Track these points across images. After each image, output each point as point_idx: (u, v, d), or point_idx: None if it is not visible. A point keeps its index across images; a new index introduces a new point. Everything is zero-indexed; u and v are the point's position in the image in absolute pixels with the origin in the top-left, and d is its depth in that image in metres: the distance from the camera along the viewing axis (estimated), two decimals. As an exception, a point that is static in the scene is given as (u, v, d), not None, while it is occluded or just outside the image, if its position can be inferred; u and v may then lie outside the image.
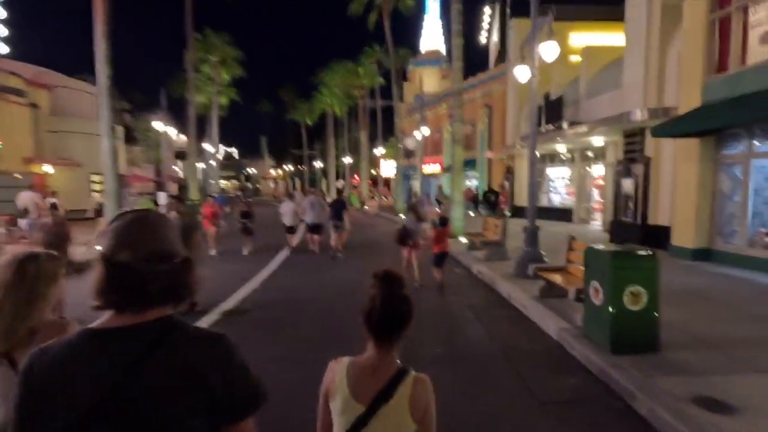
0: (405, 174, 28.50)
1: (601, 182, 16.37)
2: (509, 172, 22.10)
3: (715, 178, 9.29)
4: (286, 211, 12.08)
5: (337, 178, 45.04)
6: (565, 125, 15.47)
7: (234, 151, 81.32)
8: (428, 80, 36.80)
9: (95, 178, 20.48)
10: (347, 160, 41.63)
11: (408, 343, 1.48)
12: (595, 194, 17.11)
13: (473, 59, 29.48)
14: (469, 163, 24.64)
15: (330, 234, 11.68)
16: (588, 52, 16.11)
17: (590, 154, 16.99)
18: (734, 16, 8.68)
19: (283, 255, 11.53)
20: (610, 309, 4.39)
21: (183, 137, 31.37)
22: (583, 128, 13.75)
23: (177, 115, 29.35)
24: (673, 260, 9.22)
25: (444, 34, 42.07)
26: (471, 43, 31.57)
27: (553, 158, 19.64)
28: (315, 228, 11.72)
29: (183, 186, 35.65)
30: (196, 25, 29.31)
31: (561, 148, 18.21)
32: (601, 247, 4.73)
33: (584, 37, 18.73)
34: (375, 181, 41.24)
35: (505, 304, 6.89)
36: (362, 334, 1.43)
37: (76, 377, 0.90)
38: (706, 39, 9.17)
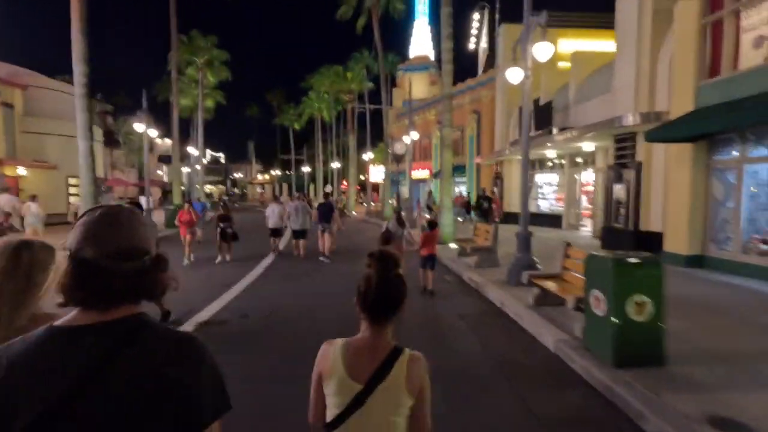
0: (393, 179, 28.28)
1: (590, 188, 16.29)
2: (498, 178, 21.98)
3: (708, 184, 9.16)
4: (271, 213, 12.05)
5: (326, 183, 44.63)
6: (555, 130, 15.36)
7: (221, 156, 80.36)
8: (417, 86, 36.77)
9: (72, 181, 19.78)
10: (335, 165, 41.30)
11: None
12: (584, 200, 17.02)
13: (462, 65, 29.43)
14: (458, 169, 24.49)
15: (316, 238, 11.60)
16: (577, 57, 16.07)
17: (579, 159, 16.91)
18: (726, 20, 8.60)
19: (267, 261, 11.18)
20: (614, 320, 4.11)
21: (168, 141, 30.76)
22: (574, 133, 13.63)
23: (162, 118, 28.80)
24: (666, 267, 9.00)
25: (433, 39, 42.18)
26: (459, 49, 31.60)
27: (542, 164, 19.55)
28: (300, 233, 11.71)
29: (167, 190, 34.93)
30: (185, 28, 28.98)
31: (550, 153, 18.13)
32: (602, 253, 4.45)
33: (573, 44, 18.76)
34: (363, 186, 41.00)
35: (499, 313, 6.59)
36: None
37: (38, 375, 0.86)
38: (698, 43, 9.08)
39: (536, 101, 17.15)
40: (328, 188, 39.84)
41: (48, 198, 18.01)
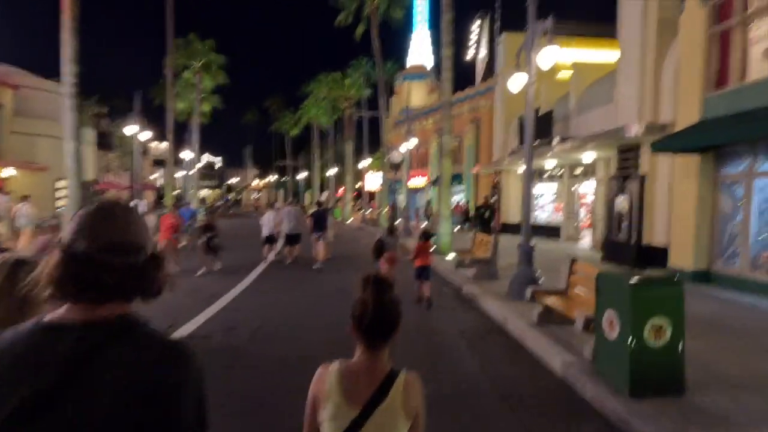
0: (391, 187, 28.03)
1: (590, 199, 16.03)
2: (495, 188, 21.71)
3: (715, 197, 8.89)
4: (266, 221, 11.98)
5: (322, 190, 44.33)
6: (555, 140, 15.12)
7: (218, 161, 79.94)
8: (415, 94, 36.71)
9: (61, 183, 19.31)
10: (332, 171, 41.03)
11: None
12: (583, 212, 16.75)
13: (460, 75, 29.22)
14: (456, 178, 24.25)
15: (309, 245, 11.46)
16: (578, 67, 15.91)
17: (579, 170, 16.68)
18: (735, 30, 8.39)
19: (259, 269, 10.82)
20: (630, 344, 3.77)
21: (164, 144, 30.36)
22: (575, 143, 13.39)
23: (158, 121, 28.41)
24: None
25: (432, 46, 42.22)
26: (457, 59, 31.49)
27: (540, 175, 19.31)
28: (292, 238, 11.69)
29: (161, 195, 34.46)
30: (184, 32, 28.75)
31: (549, 164, 17.90)
32: (616, 272, 4.13)
33: (572, 54, 18.60)
34: (359, 193, 40.81)
35: (500, 330, 6.23)
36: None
37: (20, 369, 0.84)
38: (705, 53, 8.86)
39: (536, 111, 16.92)
40: (324, 196, 39.57)
41: (36, 200, 17.53)
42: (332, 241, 12.21)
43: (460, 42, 34.42)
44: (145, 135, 18.06)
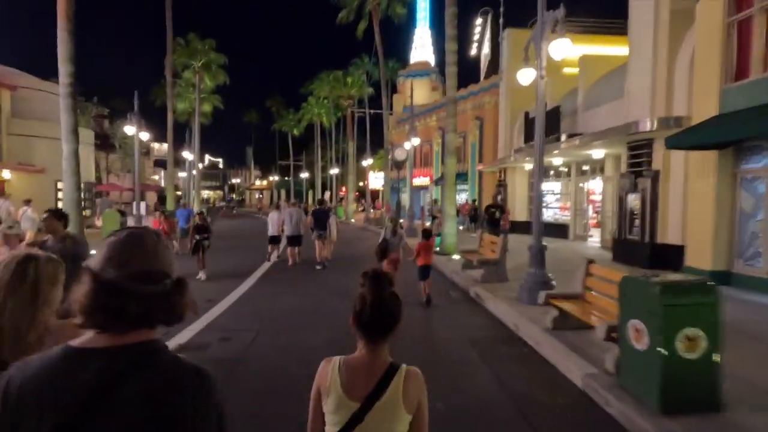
0: (393, 186, 27.68)
1: (598, 197, 15.64)
2: (501, 186, 21.32)
3: (735, 194, 8.50)
4: (271, 221, 12.08)
5: (324, 189, 44.05)
6: (563, 137, 14.73)
7: (220, 161, 79.75)
8: (418, 92, 36.23)
9: (61, 185, 19.08)
10: (334, 171, 40.74)
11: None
12: (591, 210, 16.35)
13: (463, 72, 28.81)
14: (460, 176, 23.90)
15: (311, 246, 11.28)
16: (585, 61, 15.51)
17: (586, 167, 16.28)
18: (755, 18, 8.00)
19: (261, 271, 10.59)
20: (660, 356, 3.42)
21: (165, 145, 30.13)
22: (585, 139, 13.00)
23: (159, 122, 28.20)
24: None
25: (434, 45, 41.78)
26: (461, 55, 31.11)
27: (547, 172, 18.91)
28: (294, 240, 11.56)
29: (163, 195, 34.26)
30: (184, 32, 28.52)
31: (556, 161, 17.50)
32: (643, 276, 3.78)
33: (579, 49, 18.18)
34: (362, 193, 40.49)
35: (513, 337, 5.89)
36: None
37: (47, 395, 0.87)
38: (723, 44, 8.47)
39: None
40: (326, 195, 39.32)
41: (37, 203, 17.32)
42: (335, 241, 11.95)
43: (463, 39, 33.96)
44: (145, 135, 17.79)
